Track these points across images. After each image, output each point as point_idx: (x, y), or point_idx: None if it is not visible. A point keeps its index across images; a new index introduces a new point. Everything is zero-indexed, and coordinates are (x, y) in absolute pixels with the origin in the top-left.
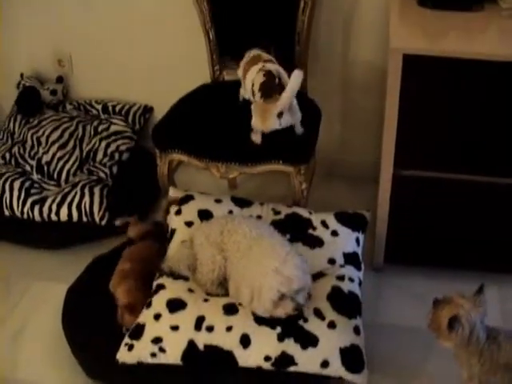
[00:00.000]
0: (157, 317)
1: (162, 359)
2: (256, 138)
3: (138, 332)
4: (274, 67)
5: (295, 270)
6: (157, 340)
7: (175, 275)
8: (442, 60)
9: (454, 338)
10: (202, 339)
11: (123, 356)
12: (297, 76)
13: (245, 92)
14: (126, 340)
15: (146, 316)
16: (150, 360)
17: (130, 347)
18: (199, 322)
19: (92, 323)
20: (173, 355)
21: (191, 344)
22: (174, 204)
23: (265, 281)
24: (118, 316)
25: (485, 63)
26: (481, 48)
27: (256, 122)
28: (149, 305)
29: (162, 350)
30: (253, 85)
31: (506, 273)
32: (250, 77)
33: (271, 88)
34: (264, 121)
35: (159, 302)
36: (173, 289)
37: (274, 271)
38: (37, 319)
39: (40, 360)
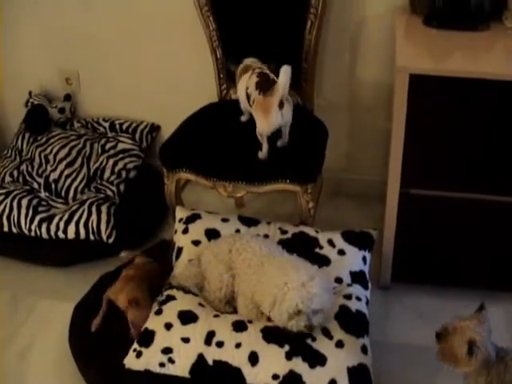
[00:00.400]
0: (168, 326)
1: (170, 370)
2: (263, 154)
3: (147, 339)
4: (265, 71)
5: (321, 290)
6: (167, 350)
7: (185, 290)
8: (448, 79)
9: (475, 362)
10: (212, 354)
11: (131, 362)
12: (286, 70)
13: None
14: (135, 346)
15: (156, 323)
16: (158, 369)
17: (139, 354)
18: (209, 337)
19: (98, 341)
20: (181, 367)
21: (201, 358)
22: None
23: (289, 291)
24: (131, 332)
25: (491, 82)
26: (487, 67)
27: (260, 124)
28: (159, 312)
29: (171, 360)
30: (247, 88)
31: None
32: (242, 85)
33: (267, 82)
34: (267, 116)
35: (170, 311)
36: (184, 301)
37: (300, 285)
38: (43, 337)
39: (47, 377)
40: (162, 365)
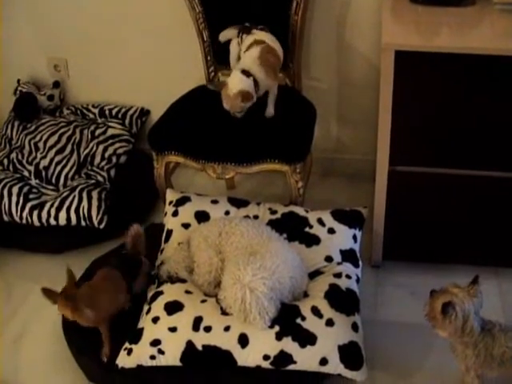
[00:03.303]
0: (155, 320)
1: (161, 361)
2: (268, 111)
3: (136, 336)
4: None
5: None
6: (155, 342)
7: (173, 279)
8: (434, 55)
9: (448, 325)
10: (201, 340)
11: (123, 360)
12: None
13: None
14: (125, 345)
15: (144, 321)
16: (149, 363)
17: (129, 351)
18: (197, 323)
19: (92, 327)
20: (172, 357)
21: (189, 345)
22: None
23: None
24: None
25: (477, 57)
26: (473, 42)
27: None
28: (148, 311)
29: (160, 351)
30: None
31: (505, 266)
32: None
33: None
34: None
35: (158, 306)
36: (170, 293)
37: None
38: (37, 324)
39: (41, 364)
40: (152, 357)
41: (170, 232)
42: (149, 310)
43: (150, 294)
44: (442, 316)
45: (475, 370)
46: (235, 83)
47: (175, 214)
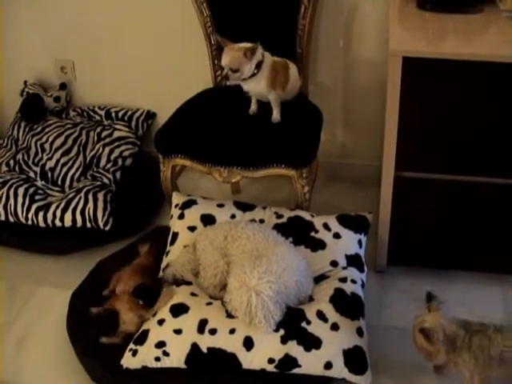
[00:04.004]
0: (160, 322)
1: (166, 363)
2: (274, 117)
3: (142, 338)
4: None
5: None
6: (160, 344)
7: (178, 282)
8: (441, 62)
9: (439, 345)
10: (206, 342)
11: (128, 361)
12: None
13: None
14: (131, 346)
15: (150, 323)
16: (154, 364)
17: (134, 352)
18: (202, 325)
19: (97, 328)
20: (176, 358)
21: (194, 347)
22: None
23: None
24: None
25: (484, 64)
26: (480, 49)
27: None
28: (155, 314)
29: (165, 353)
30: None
31: (510, 273)
32: None
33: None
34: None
35: (164, 308)
36: (176, 294)
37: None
38: (41, 325)
39: (45, 365)
40: (157, 359)
41: (175, 235)
42: (155, 313)
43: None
44: (429, 344)
45: (478, 374)
46: (241, 44)
47: (181, 216)
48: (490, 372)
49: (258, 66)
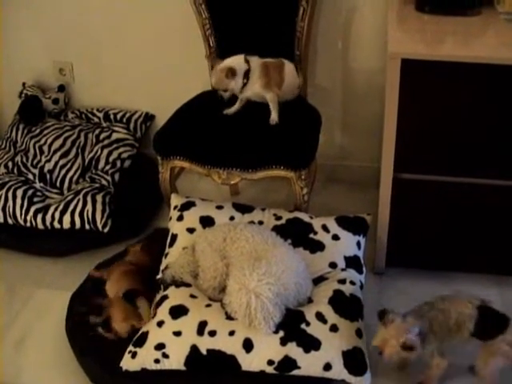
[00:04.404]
0: (160, 324)
1: (165, 365)
2: (272, 119)
3: (141, 340)
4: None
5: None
6: (160, 346)
7: (177, 283)
8: (440, 64)
9: (419, 345)
10: (205, 344)
11: (127, 363)
12: None
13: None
14: (130, 348)
15: (149, 325)
16: (153, 366)
17: (134, 354)
18: (201, 327)
19: (95, 329)
20: (176, 360)
21: (194, 349)
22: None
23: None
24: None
25: (483, 67)
26: (479, 52)
27: None
28: (154, 315)
29: (165, 355)
30: None
31: (508, 275)
32: None
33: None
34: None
35: (163, 310)
36: (175, 296)
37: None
38: (40, 326)
39: (43, 366)
40: (156, 361)
41: (174, 236)
42: (154, 315)
43: (157, 298)
44: (407, 351)
45: (437, 350)
46: (229, 61)
47: (180, 218)
48: (448, 342)
49: (246, 75)
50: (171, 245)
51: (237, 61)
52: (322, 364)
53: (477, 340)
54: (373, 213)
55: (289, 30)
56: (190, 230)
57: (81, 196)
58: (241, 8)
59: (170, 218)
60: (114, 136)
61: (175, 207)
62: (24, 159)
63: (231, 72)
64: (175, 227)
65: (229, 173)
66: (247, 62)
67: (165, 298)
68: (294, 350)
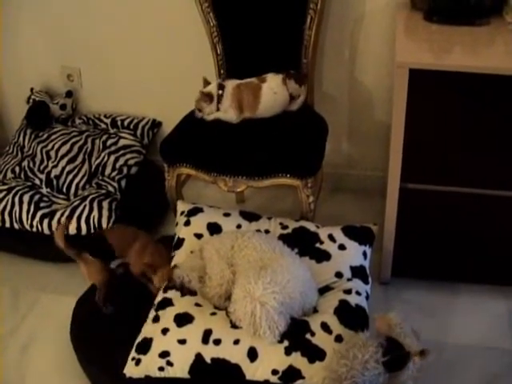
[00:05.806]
0: (164, 331)
1: (169, 373)
2: None
3: (145, 346)
4: None
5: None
6: (164, 354)
7: (183, 291)
8: (448, 74)
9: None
10: (210, 352)
11: (130, 370)
12: None
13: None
14: (133, 354)
15: (153, 331)
16: (157, 374)
17: (138, 361)
18: (206, 336)
19: (100, 335)
20: (180, 369)
21: (198, 357)
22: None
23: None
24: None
25: (491, 77)
26: (487, 62)
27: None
28: (156, 320)
29: (169, 363)
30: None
31: None
32: None
33: None
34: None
35: (167, 317)
36: (181, 304)
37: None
38: (45, 331)
39: (48, 372)
40: (161, 369)
41: (181, 240)
42: (157, 319)
43: (157, 300)
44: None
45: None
46: (209, 86)
47: (187, 223)
48: None
49: (219, 99)
50: (177, 247)
51: (212, 88)
52: None
53: None
54: (379, 222)
55: (296, 38)
56: (198, 236)
57: (87, 202)
58: (248, 17)
59: (177, 224)
60: (121, 142)
61: (182, 213)
62: (31, 164)
63: (209, 97)
64: (182, 232)
65: (235, 180)
66: (221, 87)
67: (169, 303)
68: (298, 360)
